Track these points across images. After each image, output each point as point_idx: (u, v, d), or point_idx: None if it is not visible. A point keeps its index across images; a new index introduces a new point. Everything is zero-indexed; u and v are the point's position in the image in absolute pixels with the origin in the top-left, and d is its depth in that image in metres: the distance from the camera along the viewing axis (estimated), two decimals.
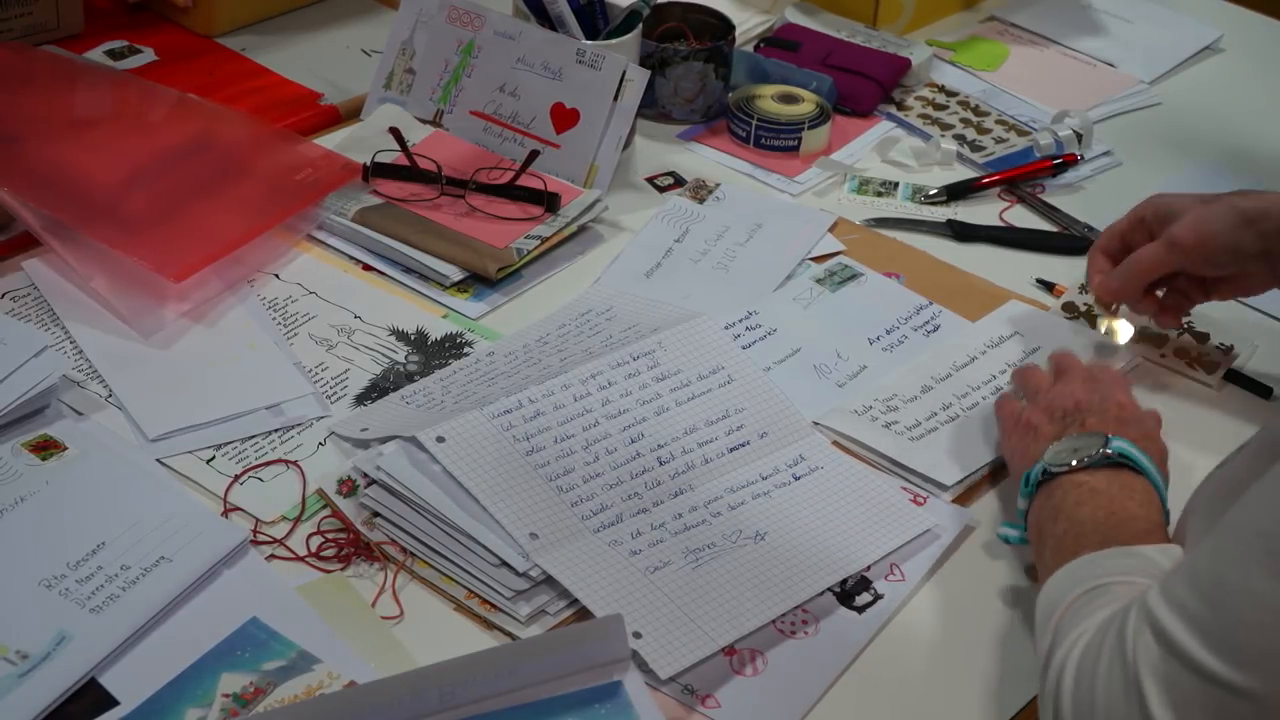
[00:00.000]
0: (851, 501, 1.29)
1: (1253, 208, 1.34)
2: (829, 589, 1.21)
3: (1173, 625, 0.93)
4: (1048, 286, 1.57)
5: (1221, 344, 1.48)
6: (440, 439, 1.23)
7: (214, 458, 1.29)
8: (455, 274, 1.50)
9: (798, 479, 1.30)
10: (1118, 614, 0.99)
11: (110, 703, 1.08)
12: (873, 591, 1.22)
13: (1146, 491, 1.15)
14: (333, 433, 1.32)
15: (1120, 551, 1.08)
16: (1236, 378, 1.46)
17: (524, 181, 1.58)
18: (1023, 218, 1.69)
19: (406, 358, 1.42)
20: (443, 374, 1.39)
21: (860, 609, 1.21)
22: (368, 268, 1.53)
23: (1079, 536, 1.11)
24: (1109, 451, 1.16)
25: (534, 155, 1.59)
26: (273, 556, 1.21)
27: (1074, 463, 1.17)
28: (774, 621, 1.19)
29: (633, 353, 1.35)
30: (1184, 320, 1.47)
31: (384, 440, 1.27)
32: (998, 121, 1.84)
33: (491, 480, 1.22)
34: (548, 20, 1.67)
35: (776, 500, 1.28)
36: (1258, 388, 1.45)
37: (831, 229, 1.63)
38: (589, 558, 1.19)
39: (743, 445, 1.32)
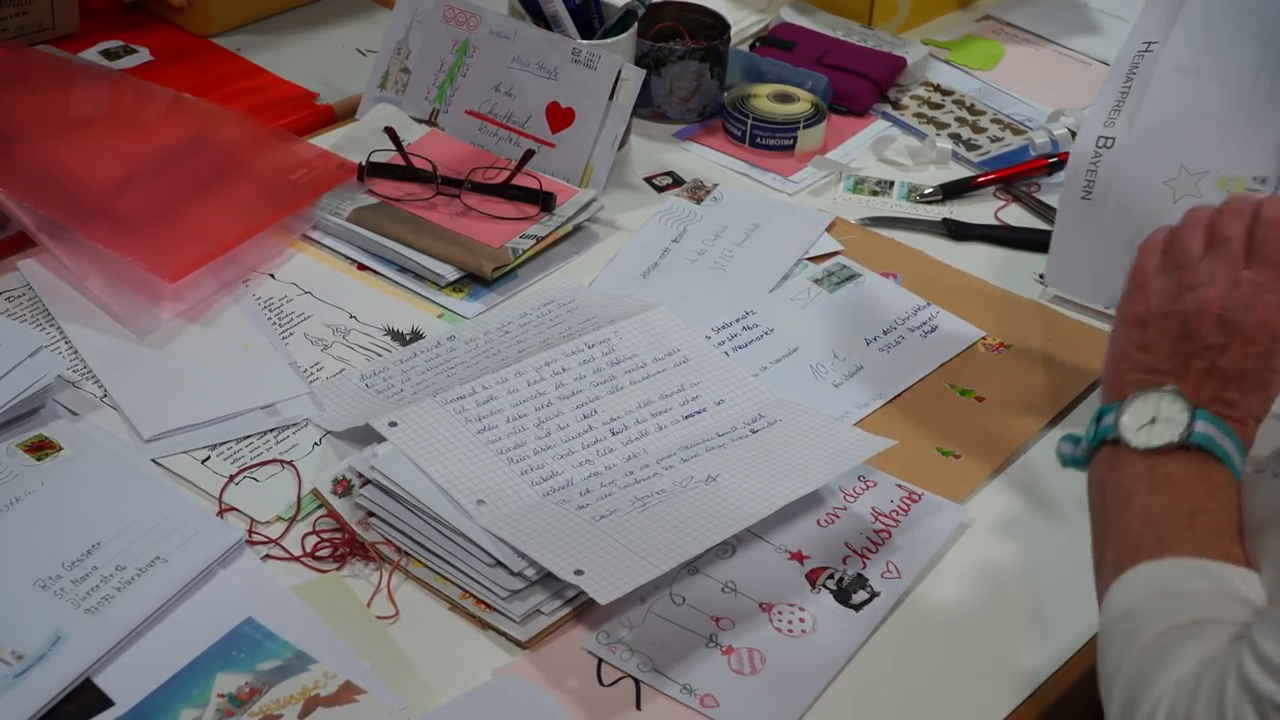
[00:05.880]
0: (811, 441, 1.29)
1: None
2: (825, 586, 1.22)
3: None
4: None
5: None
6: (393, 424, 1.25)
7: (209, 458, 1.29)
8: (451, 273, 1.50)
9: (755, 433, 1.31)
10: (1211, 669, 0.94)
11: (105, 703, 1.08)
12: (869, 589, 1.22)
13: (1227, 488, 1.05)
14: (328, 433, 1.32)
15: (1207, 574, 1.00)
16: None
17: (519, 181, 1.58)
18: (1018, 216, 1.69)
19: None
20: (402, 355, 1.40)
21: (857, 607, 1.21)
22: (363, 267, 1.53)
23: (1159, 537, 1.02)
24: (1189, 442, 1.04)
25: (529, 155, 1.59)
26: (268, 557, 1.21)
27: (1150, 444, 1.05)
28: (772, 620, 1.19)
29: (588, 341, 1.37)
30: None
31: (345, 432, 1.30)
32: (993, 120, 1.84)
33: (440, 454, 1.23)
34: (543, 20, 1.66)
35: (731, 450, 1.28)
36: None
37: (829, 229, 1.63)
38: (535, 514, 1.20)
39: (699, 412, 1.33)
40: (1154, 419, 1.06)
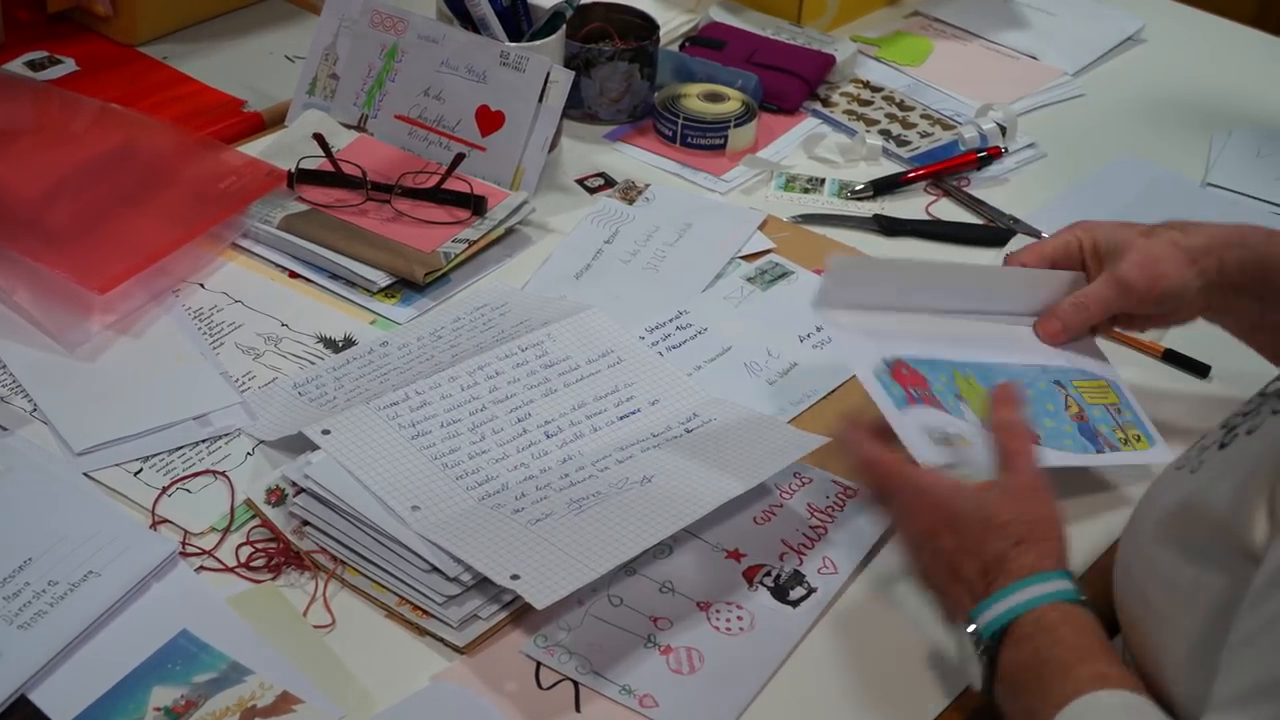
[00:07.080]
0: (746, 439, 1.30)
1: (1195, 246, 1.28)
2: (762, 583, 1.22)
3: None
4: None
5: None
6: (326, 431, 1.24)
7: (141, 470, 1.28)
8: (382, 279, 1.50)
9: (690, 433, 1.31)
10: None
11: (41, 719, 1.07)
12: (806, 585, 1.23)
13: (1048, 623, 1.05)
14: (260, 442, 1.31)
15: (1095, 708, 1.00)
16: (1173, 356, 1.48)
17: (450, 185, 1.57)
18: (948, 211, 1.70)
19: None
20: (334, 362, 1.39)
21: (794, 603, 1.21)
22: (294, 275, 1.52)
23: None
24: (985, 642, 1.07)
25: (460, 158, 1.58)
26: (202, 568, 1.20)
27: (979, 676, 1.08)
28: (710, 619, 1.19)
29: (521, 344, 1.37)
30: None
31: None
32: (923, 116, 1.85)
33: (374, 461, 1.23)
34: (471, 23, 1.66)
35: (666, 450, 1.29)
36: (1195, 366, 1.47)
37: (761, 227, 1.63)
38: (470, 519, 1.20)
39: (634, 413, 1.33)
40: (966, 662, 1.09)
